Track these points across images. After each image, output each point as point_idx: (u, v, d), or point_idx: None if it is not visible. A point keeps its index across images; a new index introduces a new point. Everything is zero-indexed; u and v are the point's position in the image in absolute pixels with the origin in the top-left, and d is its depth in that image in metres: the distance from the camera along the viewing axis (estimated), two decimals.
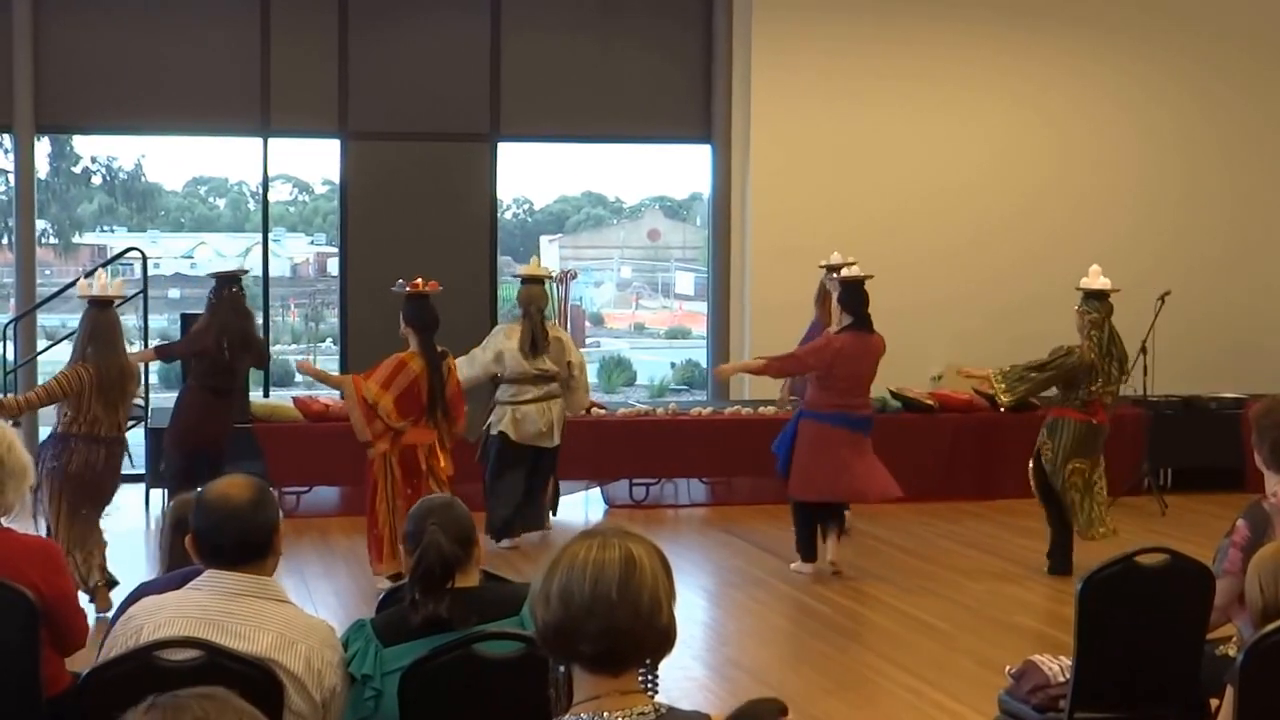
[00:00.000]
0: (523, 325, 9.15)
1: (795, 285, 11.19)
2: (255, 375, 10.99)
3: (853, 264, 8.96)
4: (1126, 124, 12.83)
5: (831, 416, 8.49)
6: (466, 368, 9.04)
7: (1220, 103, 12.93)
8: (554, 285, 11.29)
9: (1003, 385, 8.63)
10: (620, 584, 2.31)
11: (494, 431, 9.19)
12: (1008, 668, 4.89)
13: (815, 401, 8.56)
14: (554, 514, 9.82)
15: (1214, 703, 4.10)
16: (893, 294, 12.05)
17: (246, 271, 9.68)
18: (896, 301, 12.03)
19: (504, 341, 9.19)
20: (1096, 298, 8.59)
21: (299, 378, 13.69)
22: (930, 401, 11.23)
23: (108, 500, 7.62)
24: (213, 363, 8.88)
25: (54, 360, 11.73)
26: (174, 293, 16.54)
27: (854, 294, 8.59)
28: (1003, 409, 9.06)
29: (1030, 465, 8.73)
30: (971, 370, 8.99)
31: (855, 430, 8.55)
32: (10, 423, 4.64)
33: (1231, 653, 4.38)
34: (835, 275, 9.01)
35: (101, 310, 7.53)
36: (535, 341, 9.08)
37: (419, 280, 8.31)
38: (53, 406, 7.54)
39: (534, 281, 9.26)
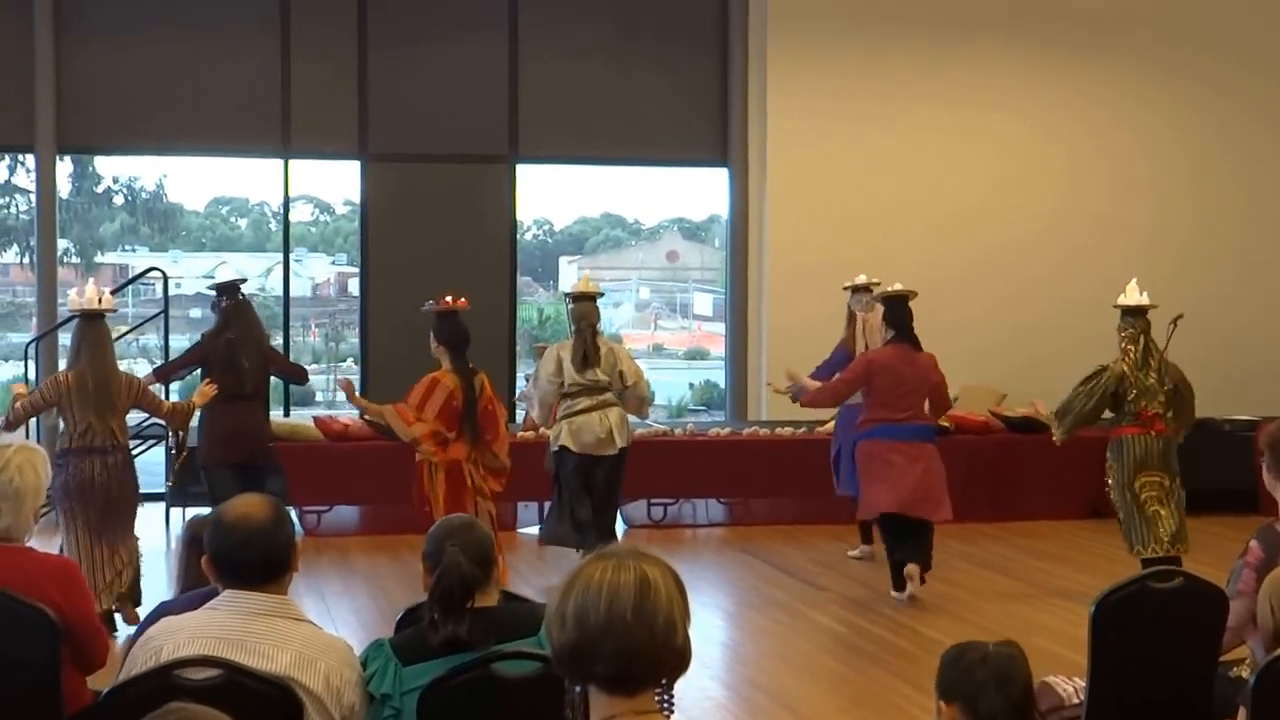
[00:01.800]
0: (575, 341, 9.17)
1: (812, 306, 11.22)
2: (276, 393, 11.00)
3: (877, 284, 9.05)
4: (1138, 147, 12.82)
5: (877, 430, 8.49)
6: (534, 391, 9.16)
7: (1232, 126, 12.90)
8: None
9: (1055, 424, 8.58)
10: (635, 606, 2.33)
11: (554, 447, 9.15)
12: None
13: (863, 420, 8.59)
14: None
15: None
16: (917, 312, 12.07)
17: (244, 281, 9.64)
18: (918, 319, 12.04)
19: (560, 354, 9.22)
20: (1132, 314, 8.57)
21: (320, 397, 13.73)
22: (945, 423, 11.20)
23: (119, 512, 7.45)
24: (217, 369, 8.75)
25: None
26: (195, 312, 16.60)
27: (896, 308, 8.67)
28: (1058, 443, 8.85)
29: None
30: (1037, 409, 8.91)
31: (907, 440, 8.48)
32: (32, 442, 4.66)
33: (1245, 674, 4.38)
34: (860, 294, 9.14)
35: (90, 323, 7.56)
36: (586, 355, 9.08)
37: (449, 297, 8.27)
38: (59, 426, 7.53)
39: (585, 299, 9.26)
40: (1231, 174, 12.92)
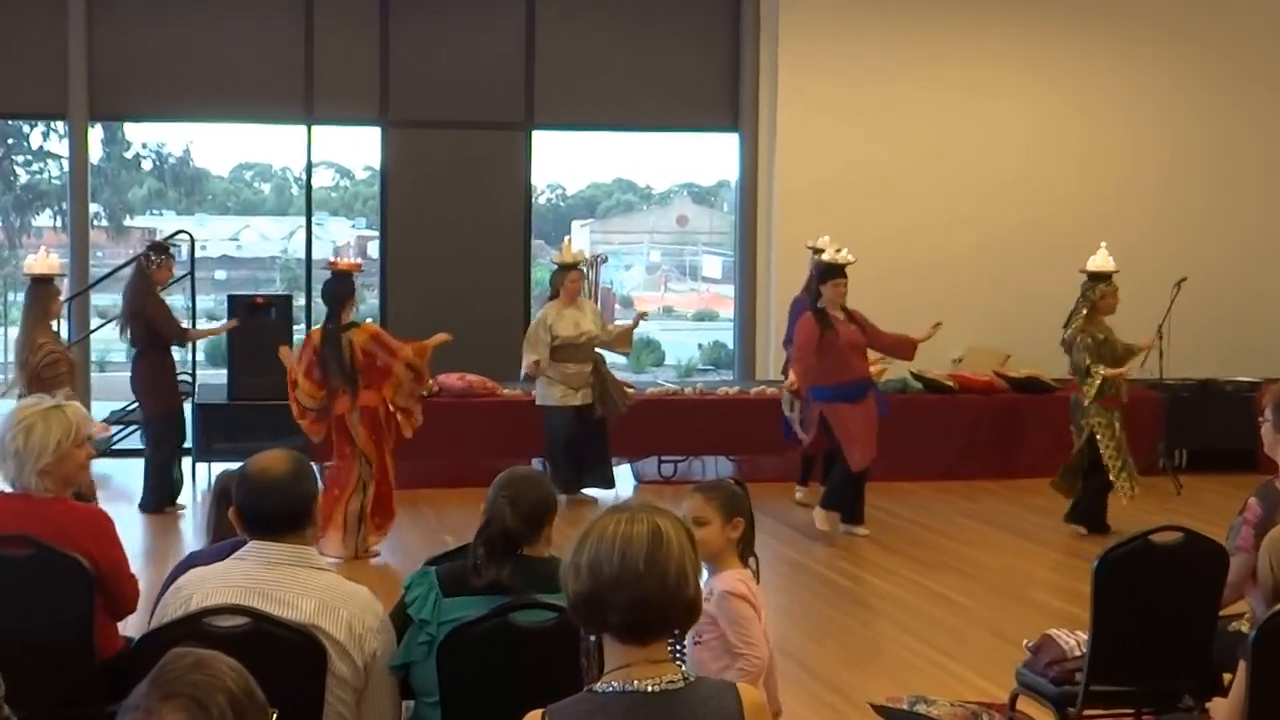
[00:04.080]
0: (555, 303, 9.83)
1: None
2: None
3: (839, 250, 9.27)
4: (1157, 112, 12.66)
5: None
6: (530, 351, 9.75)
7: (1254, 94, 12.74)
8: (587, 269, 11.34)
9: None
10: (648, 557, 2.33)
11: (540, 404, 9.81)
12: (1025, 641, 4.88)
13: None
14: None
15: (1227, 677, 4.09)
16: (921, 278, 12.08)
17: (172, 240, 10.15)
18: (923, 285, 12.02)
19: (549, 317, 9.81)
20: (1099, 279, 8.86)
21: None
22: (950, 382, 11.20)
23: None
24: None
25: (104, 339, 11.84)
26: (220, 274, 16.64)
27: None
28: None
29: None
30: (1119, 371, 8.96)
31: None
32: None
33: (1244, 629, 4.36)
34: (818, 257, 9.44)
35: (33, 286, 7.88)
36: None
37: (336, 258, 8.66)
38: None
39: (570, 267, 9.72)
40: (1250, 145, 12.78)
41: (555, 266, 10.05)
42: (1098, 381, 8.79)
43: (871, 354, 9.29)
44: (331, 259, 8.77)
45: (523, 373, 9.90)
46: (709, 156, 15.22)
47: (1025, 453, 11.00)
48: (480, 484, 10.75)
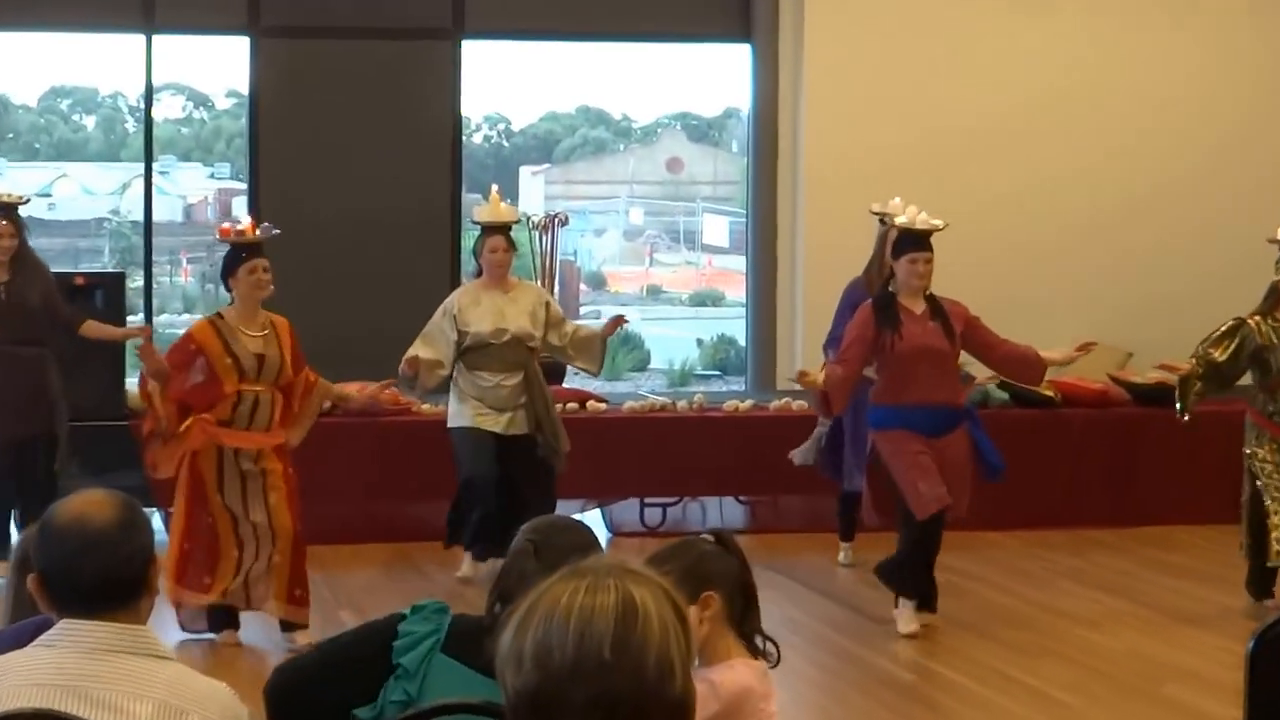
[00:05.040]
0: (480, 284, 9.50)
1: (863, 227, 11.15)
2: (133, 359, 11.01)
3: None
4: None
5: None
6: (425, 349, 9.35)
7: None
8: (534, 234, 11.31)
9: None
10: (616, 640, 2.31)
11: (449, 424, 9.46)
12: None
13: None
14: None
15: None
16: (1009, 252, 12.11)
17: (24, 200, 10.04)
18: (1012, 261, 12.06)
19: (460, 301, 9.46)
20: None
21: None
22: (1050, 392, 11.21)
23: None
24: None
25: None
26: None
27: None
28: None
29: None
30: (1174, 364, 8.93)
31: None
32: None
33: None
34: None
35: None
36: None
37: (234, 223, 8.60)
38: None
39: (496, 230, 9.43)
40: None
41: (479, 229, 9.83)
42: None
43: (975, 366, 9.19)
44: (226, 224, 8.58)
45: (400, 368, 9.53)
46: (711, 77, 15.25)
47: (1153, 490, 11.03)
48: (394, 538, 10.63)
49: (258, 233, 8.46)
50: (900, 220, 8.85)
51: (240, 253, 8.30)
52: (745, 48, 12.67)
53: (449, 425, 9.53)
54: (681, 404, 11.29)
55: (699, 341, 16.68)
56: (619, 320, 10.22)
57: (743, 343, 13.43)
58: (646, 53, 13.94)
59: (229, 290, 8.37)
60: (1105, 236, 12.49)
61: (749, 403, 11.26)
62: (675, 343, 16.93)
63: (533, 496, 9.17)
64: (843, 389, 8.53)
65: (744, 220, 13.34)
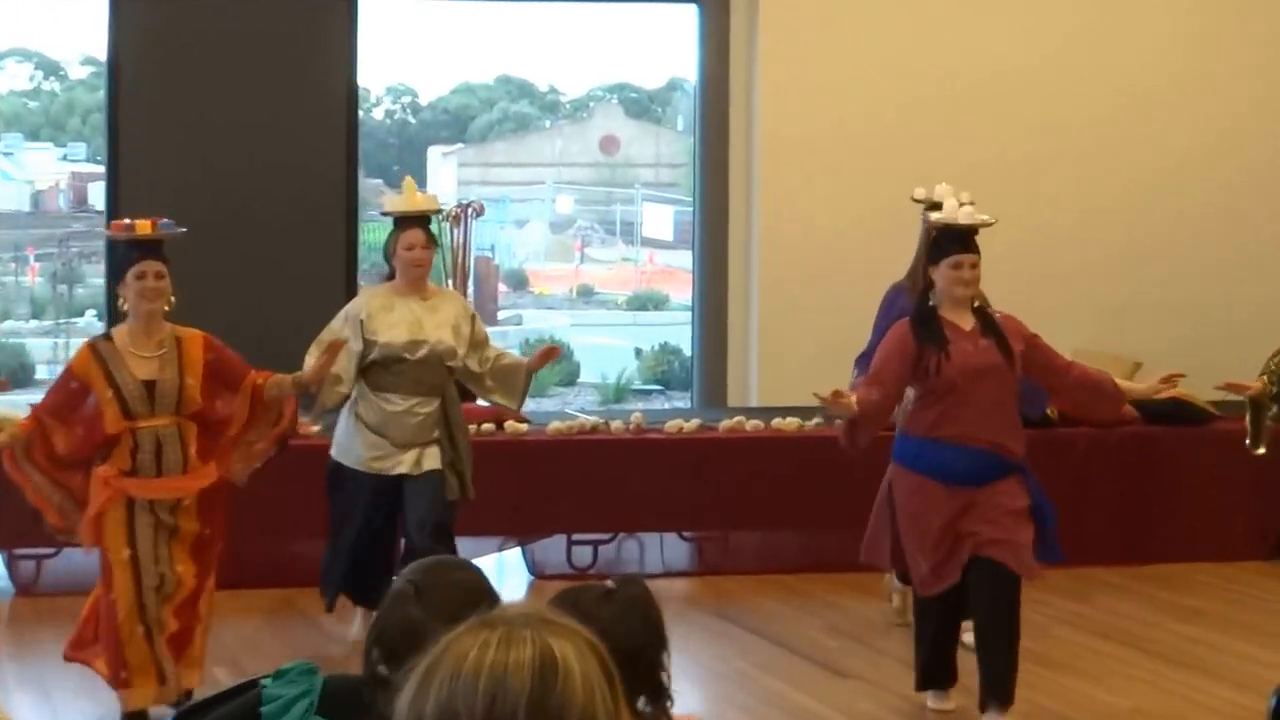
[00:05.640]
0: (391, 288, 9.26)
1: (828, 217, 11.26)
2: None
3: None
4: None
5: None
6: (314, 352, 9.01)
7: None
8: (445, 225, 11.30)
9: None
10: (533, 701, 2.34)
11: (333, 457, 9.29)
12: None
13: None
14: None
15: None
16: (1004, 251, 12.14)
17: None
18: (1008, 260, 12.11)
19: (369, 305, 9.23)
20: None
21: (45, 374, 13.70)
22: (1049, 411, 11.26)
23: None
24: None
25: None
26: None
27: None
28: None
29: None
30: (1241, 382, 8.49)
31: None
32: None
33: None
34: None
35: None
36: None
37: (124, 220, 8.34)
38: None
39: (412, 223, 9.27)
40: None
41: (391, 223, 9.62)
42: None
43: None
44: (119, 220, 8.34)
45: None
46: (652, 42, 15.30)
47: (1166, 522, 11.10)
48: (277, 582, 10.74)
49: (160, 229, 8.17)
50: (935, 216, 8.44)
51: (131, 253, 8.06)
52: (691, 8, 12.73)
53: (332, 455, 9.32)
54: (616, 424, 11.32)
55: (638, 351, 16.72)
56: (551, 351, 9.97)
57: (688, 352, 13.46)
58: (577, 13, 13.96)
59: (118, 299, 8.14)
60: (1104, 222, 12.56)
61: (695, 423, 11.28)
62: (610, 352, 16.94)
63: (423, 546, 8.85)
64: (877, 417, 8.07)
65: (690, 209, 13.37)
